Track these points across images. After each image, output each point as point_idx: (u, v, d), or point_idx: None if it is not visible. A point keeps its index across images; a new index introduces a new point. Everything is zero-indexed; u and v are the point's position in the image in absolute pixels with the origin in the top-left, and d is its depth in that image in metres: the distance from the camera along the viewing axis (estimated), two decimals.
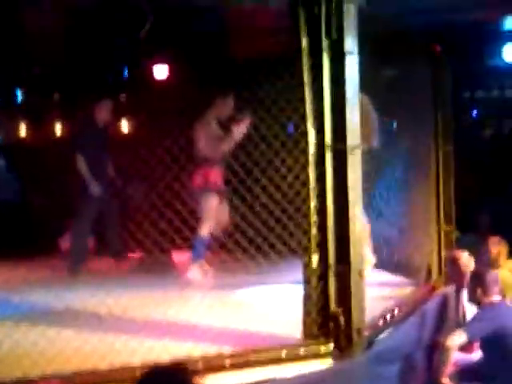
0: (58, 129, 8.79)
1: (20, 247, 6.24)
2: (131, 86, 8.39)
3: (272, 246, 4.38)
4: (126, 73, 8.99)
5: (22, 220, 7.68)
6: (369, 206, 5.08)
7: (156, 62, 8.17)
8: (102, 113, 6.75)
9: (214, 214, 6.02)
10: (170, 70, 8.17)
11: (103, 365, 3.59)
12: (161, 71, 8.19)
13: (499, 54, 9.04)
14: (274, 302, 4.75)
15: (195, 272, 5.91)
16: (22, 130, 8.84)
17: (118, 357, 3.71)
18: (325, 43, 4.07)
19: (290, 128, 5.31)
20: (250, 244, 4.49)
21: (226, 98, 6.08)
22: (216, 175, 6.04)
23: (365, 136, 5.72)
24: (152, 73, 8.20)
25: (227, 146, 5.90)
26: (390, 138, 5.93)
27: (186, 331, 4.18)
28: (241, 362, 3.68)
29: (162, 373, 1.37)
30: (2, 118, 8.91)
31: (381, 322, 4.47)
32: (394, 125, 6.43)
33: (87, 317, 4.45)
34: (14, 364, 3.49)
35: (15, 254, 6.17)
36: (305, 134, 4.09)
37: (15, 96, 9.21)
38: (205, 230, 5.95)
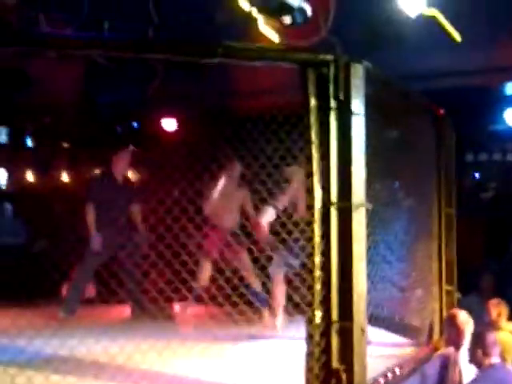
0: (66, 177, 8.89)
1: (26, 291, 6.23)
2: (140, 138, 8.52)
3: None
4: (135, 125, 9.14)
5: (28, 265, 7.69)
6: (370, 264, 5.11)
7: (164, 116, 8.32)
8: (120, 163, 6.71)
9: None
10: (179, 125, 8.31)
11: None
12: (169, 125, 8.33)
13: (501, 117, 9.19)
14: (276, 357, 4.74)
15: None
16: (30, 177, 8.93)
17: None
18: (333, 103, 4.18)
19: None
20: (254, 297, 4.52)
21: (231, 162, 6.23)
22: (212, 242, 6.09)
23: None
24: (160, 126, 8.34)
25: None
26: (392, 199, 6.00)
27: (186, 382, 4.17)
28: None
29: None
30: (11, 164, 9.01)
31: (382, 381, 4.46)
32: (396, 185, 6.50)
33: (91, 364, 4.45)
34: None
35: (21, 299, 6.17)
36: (311, 190, 4.18)
37: (24, 143, 9.35)
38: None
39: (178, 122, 8.31)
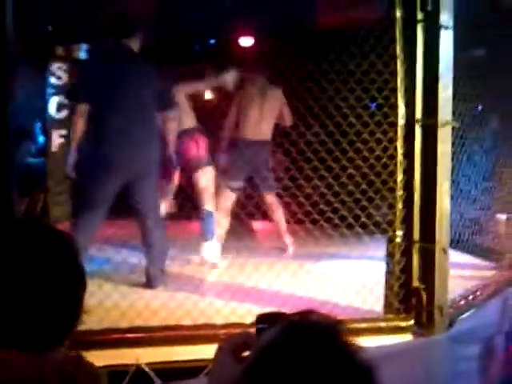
0: None
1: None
2: (217, 56, 8.42)
3: (357, 219, 4.36)
4: (211, 42, 9.04)
5: None
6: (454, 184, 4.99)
7: (242, 33, 8.17)
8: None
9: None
10: (256, 41, 8.15)
11: (187, 321, 3.69)
12: (246, 41, 8.19)
13: None
14: (356, 275, 4.74)
15: (209, 251, 5.45)
16: None
17: (202, 315, 3.81)
18: (419, 15, 4.00)
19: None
20: (335, 215, 4.48)
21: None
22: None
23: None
24: (238, 43, 8.21)
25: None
26: (476, 120, 5.78)
27: (268, 296, 4.25)
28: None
29: (309, 325, 1.14)
30: None
31: (462, 302, 4.40)
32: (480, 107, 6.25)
33: (175, 275, 4.56)
34: (104, 315, 3.61)
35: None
36: (394, 107, 4.06)
37: None
38: (210, 205, 5.66)
39: (256, 39, 8.15)
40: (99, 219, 4.44)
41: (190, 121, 5.60)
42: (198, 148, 5.55)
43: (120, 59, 4.63)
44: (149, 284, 4.47)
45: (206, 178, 5.63)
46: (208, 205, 5.60)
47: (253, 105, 5.92)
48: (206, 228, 5.53)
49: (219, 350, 1.26)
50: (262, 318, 1.25)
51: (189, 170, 5.64)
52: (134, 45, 4.70)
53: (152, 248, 4.47)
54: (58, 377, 1.33)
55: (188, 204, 5.51)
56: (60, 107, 7.99)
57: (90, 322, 2.88)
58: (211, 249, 5.43)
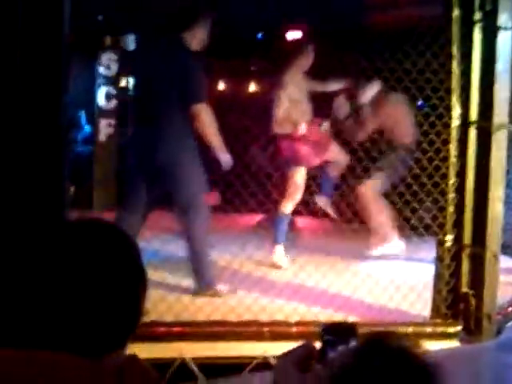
0: None
1: None
2: (264, 49, 8.38)
3: (407, 221, 4.31)
4: (259, 36, 9.00)
5: None
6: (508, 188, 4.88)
7: (292, 28, 8.10)
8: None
9: (299, 190, 5.46)
10: (304, 37, 8.07)
11: (232, 317, 3.70)
12: (294, 35, 8.12)
13: None
14: (404, 277, 4.68)
15: (279, 255, 5.29)
16: None
17: (247, 312, 3.80)
18: (477, 15, 3.91)
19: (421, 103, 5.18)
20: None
21: (304, 49, 5.60)
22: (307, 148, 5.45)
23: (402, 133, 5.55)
24: (285, 38, 8.14)
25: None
26: None
27: (314, 295, 4.22)
28: (364, 332, 3.64)
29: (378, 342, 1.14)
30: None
31: (510, 309, 4.32)
32: None
33: (220, 270, 4.55)
34: (151, 308, 3.59)
35: None
36: (449, 108, 3.98)
37: None
38: (287, 207, 5.44)
39: (307, 36, 8.07)
40: (139, 211, 4.33)
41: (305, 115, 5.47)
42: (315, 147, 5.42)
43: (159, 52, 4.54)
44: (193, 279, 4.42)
45: (300, 176, 5.47)
46: (286, 207, 5.47)
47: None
48: (280, 230, 5.39)
49: (282, 360, 1.24)
50: (329, 329, 1.23)
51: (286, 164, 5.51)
52: (195, 38, 4.51)
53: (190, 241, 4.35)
54: (117, 381, 1.32)
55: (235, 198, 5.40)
56: (109, 97, 8.06)
57: None
58: (282, 252, 5.32)
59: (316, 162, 5.50)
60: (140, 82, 4.65)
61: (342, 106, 5.71)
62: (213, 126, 4.38)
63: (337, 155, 5.58)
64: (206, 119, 4.34)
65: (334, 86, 5.67)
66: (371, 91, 5.66)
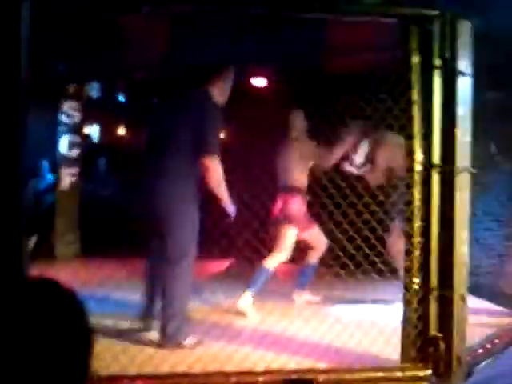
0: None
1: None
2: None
3: (372, 264, 4.31)
4: None
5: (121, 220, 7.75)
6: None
7: (254, 74, 8.18)
8: None
9: (288, 247, 5.52)
10: (270, 83, 8.16)
11: (198, 367, 3.61)
12: (259, 83, 8.21)
13: None
14: (372, 321, 4.66)
15: (246, 302, 5.21)
16: (123, 132, 9.00)
17: (214, 361, 3.73)
18: (437, 61, 3.98)
19: None
20: (350, 260, 4.43)
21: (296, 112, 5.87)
22: (298, 205, 5.57)
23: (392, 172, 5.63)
24: (250, 84, 8.21)
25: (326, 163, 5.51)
26: (491, 163, 5.75)
27: (281, 342, 4.17)
28: (334, 379, 3.61)
29: None
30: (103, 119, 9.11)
31: (480, 351, 4.32)
32: (494, 148, 6.23)
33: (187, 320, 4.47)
34: (112, 360, 3.52)
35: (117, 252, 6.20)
36: (411, 152, 4.02)
37: (116, 99, 9.46)
38: (271, 263, 5.46)
39: (269, 80, 8.16)
40: (150, 258, 4.49)
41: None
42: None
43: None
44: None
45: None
46: (271, 263, 5.48)
47: None
48: (258, 280, 5.35)
49: None
50: None
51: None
52: (218, 90, 4.69)
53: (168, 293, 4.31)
54: None
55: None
56: (71, 146, 8.00)
57: (97, 367, 2.80)
58: (250, 300, 5.23)
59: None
60: (156, 132, 4.66)
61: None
62: (221, 179, 4.48)
63: (316, 238, 5.66)
64: (216, 172, 4.42)
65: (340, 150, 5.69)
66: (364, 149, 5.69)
